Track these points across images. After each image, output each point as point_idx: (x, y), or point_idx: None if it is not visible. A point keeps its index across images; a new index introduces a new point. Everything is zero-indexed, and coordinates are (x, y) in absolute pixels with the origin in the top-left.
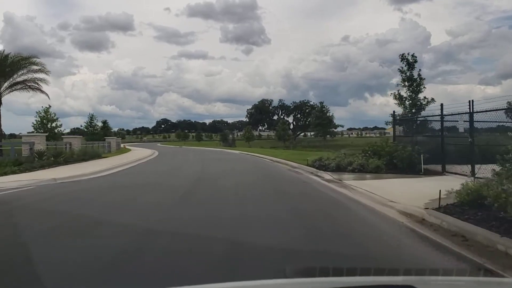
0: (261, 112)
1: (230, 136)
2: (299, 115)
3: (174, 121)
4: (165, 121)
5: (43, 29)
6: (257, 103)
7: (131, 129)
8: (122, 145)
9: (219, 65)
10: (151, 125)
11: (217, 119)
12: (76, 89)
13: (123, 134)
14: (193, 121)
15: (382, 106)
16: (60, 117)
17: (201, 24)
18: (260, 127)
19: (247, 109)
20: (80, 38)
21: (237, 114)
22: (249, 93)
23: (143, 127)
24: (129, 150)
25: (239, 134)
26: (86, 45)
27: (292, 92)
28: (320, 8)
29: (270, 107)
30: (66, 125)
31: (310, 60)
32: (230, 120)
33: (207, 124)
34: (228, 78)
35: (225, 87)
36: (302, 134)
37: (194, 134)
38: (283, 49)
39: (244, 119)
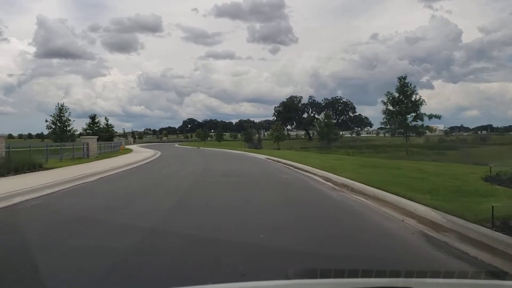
0: (290, 110)
1: (256, 135)
2: (331, 113)
3: (200, 121)
4: (191, 121)
5: (75, 32)
6: (285, 100)
7: (157, 129)
8: (121, 146)
9: (246, 65)
10: (178, 125)
11: (244, 119)
12: (107, 90)
13: (141, 134)
14: (219, 121)
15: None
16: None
17: (228, 24)
18: (288, 126)
19: (275, 107)
20: (110, 39)
21: (264, 114)
22: (276, 92)
23: (169, 127)
24: (125, 152)
25: (266, 133)
26: (116, 47)
27: (319, 91)
28: (348, 6)
29: (300, 105)
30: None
31: (338, 58)
32: (257, 120)
33: (233, 123)
34: (255, 77)
35: (252, 87)
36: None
37: (214, 133)
38: (311, 48)
39: (271, 118)
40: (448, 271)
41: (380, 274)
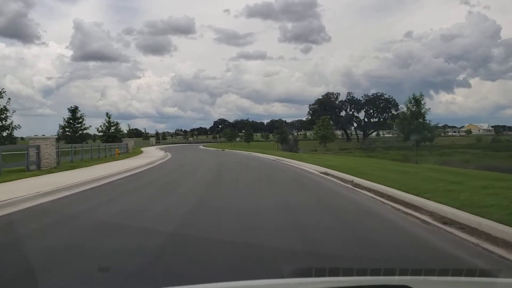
0: (326, 107)
1: (290, 136)
2: (371, 111)
3: (231, 121)
4: (222, 121)
5: (110, 35)
6: (320, 97)
7: (189, 129)
8: (116, 150)
9: (278, 65)
10: (210, 125)
11: (275, 119)
12: (141, 92)
13: (164, 135)
14: (251, 121)
15: (448, 104)
16: (126, 118)
17: (260, 25)
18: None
19: (309, 105)
20: (144, 42)
21: (295, 114)
22: (308, 92)
23: (200, 127)
24: (118, 158)
25: (299, 134)
26: (150, 49)
27: (352, 90)
28: (382, 4)
29: (337, 102)
30: (131, 125)
31: (372, 57)
32: (288, 120)
33: (265, 124)
34: (286, 77)
35: (283, 87)
36: (375, 133)
37: (243, 133)
38: (343, 46)
39: (305, 118)
40: (442, 269)
41: (375, 272)
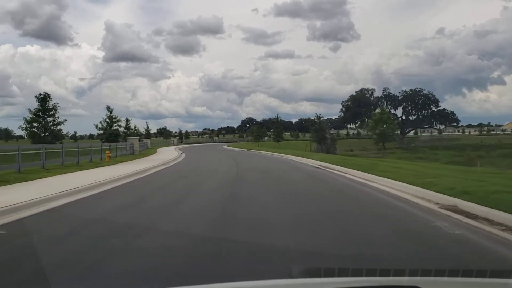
0: (360, 104)
1: (327, 134)
2: (409, 108)
3: (259, 120)
4: (250, 120)
5: (140, 36)
6: (354, 93)
7: (217, 129)
8: (107, 153)
9: (306, 64)
10: (237, 125)
11: (304, 118)
12: (171, 92)
13: (187, 134)
14: (279, 120)
15: (482, 102)
16: (156, 118)
17: (288, 23)
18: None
19: (342, 102)
20: (174, 42)
21: (324, 113)
22: (336, 90)
23: (228, 126)
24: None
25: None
26: (179, 50)
27: (382, 88)
28: (412, 0)
29: (372, 98)
30: (161, 125)
31: (402, 55)
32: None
33: (293, 122)
34: (314, 76)
35: (312, 85)
36: (413, 131)
37: (272, 131)
38: (373, 44)
39: (335, 117)
40: (452, 269)
41: (384, 272)
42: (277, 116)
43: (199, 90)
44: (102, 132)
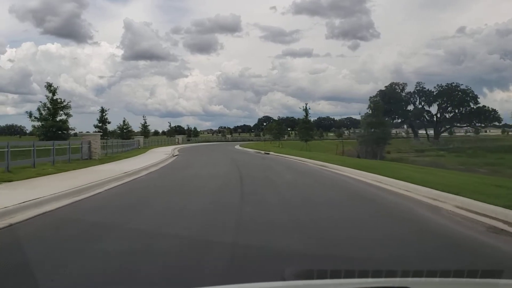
0: (390, 100)
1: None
2: (445, 104)
3: (276, 118)
4: (267, 118)
5: (159, 34)
6: (384, 88)
7: (233, 127)
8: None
9: (324, 62)
10: (254, 123)
11: (323, 117)
12: (188, 90)
13: (197, 132)
14: (296, 118)
15: (503, 103)
16: (174, 116)
17: (307, 21)
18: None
19: (370, 97)
20: (192, 41)
21: (342, 112)
22: (355, 90)
23: (244, 125)
24: (110, 160)
25: (349, 133)
26: (197, 48)
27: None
28: None
29: (403, 94)
30: (178, 123)
31: (422, 54)
32: (336, 118)
33: (312, 121)
34: (333, 75)
35: (330, 84)
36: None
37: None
38: (393, 43)
39: (357, 116)
40: (444, 270)
41: (376, 274)
42: (306, 107)
43: (216, 89)
44: (40, 124)
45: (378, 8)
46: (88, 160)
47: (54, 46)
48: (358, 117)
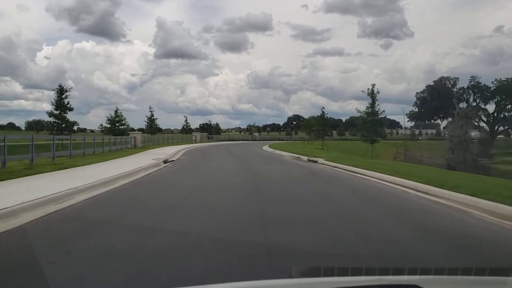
0: (440, 96)
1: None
2: (504, 102)
3: (306, 117)
4: (296, 117)
5: (190, 33)
6: (432, 83)
7: (262, 126)
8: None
9: (355, 62)
10: (283, 122)
11: (355, 116)
12: (218, 89)
13: (218, 130)
14: (327, 117)
15: None
16: (204, 114)
17: (338, 20)
18: (437, 120)
19: (416, 93)
20: (223, 40)
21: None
22: (387, 90)
23: (273, 123)
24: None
25: (394, 133)
26: (227, 47)
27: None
28: None
29: (454, 90)
30: (207, 121)
31: (457, 53)
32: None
33: (343, 121)
34: (364, 74)
35: (361, 84)
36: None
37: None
38: (427, 42)
39: (393, 116)
40: (452, 268)
41: (383, 271)
42: (372, 89)
43: (245, 87)
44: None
45: (412, 7)
46: None
47: (88, 44)
48: (393, 117)
